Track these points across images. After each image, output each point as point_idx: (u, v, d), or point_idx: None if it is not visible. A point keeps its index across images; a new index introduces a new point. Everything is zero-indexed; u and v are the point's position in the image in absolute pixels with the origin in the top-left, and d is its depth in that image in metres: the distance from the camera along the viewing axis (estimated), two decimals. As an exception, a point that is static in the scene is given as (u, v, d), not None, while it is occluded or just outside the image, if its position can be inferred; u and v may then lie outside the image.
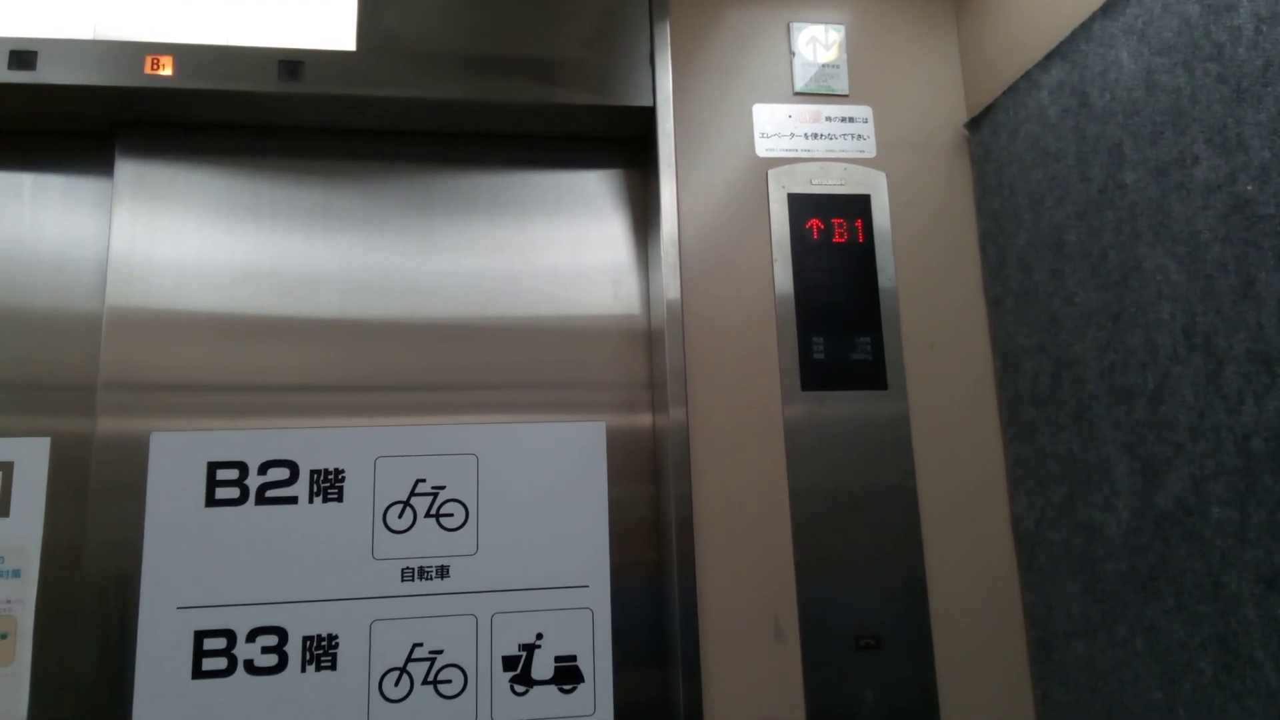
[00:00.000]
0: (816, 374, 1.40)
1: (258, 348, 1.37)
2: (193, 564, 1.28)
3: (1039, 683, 1.34)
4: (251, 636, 1.27)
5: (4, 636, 1.26)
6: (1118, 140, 1.15)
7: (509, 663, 1.32)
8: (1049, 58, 1.28)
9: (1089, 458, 1.21)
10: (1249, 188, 0.94)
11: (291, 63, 1.33)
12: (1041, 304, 1.31)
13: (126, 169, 1.39)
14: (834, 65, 1.52)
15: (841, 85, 1.51)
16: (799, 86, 1.50)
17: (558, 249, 1.49)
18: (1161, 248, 1.07)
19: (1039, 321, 1.32)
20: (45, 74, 1.28)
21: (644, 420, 1.45)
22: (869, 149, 1.50)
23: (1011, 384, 1.40)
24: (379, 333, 1.41)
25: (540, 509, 1.37)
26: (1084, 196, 1.22)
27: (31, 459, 1.30)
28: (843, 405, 1.40)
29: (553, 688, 1.32)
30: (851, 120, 1.50)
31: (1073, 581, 1.25)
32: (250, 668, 1.27)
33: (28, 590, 1.27)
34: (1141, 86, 1.10)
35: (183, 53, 1.31)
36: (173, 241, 1.38)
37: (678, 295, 1.38)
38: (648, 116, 1.43)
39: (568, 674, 1.33)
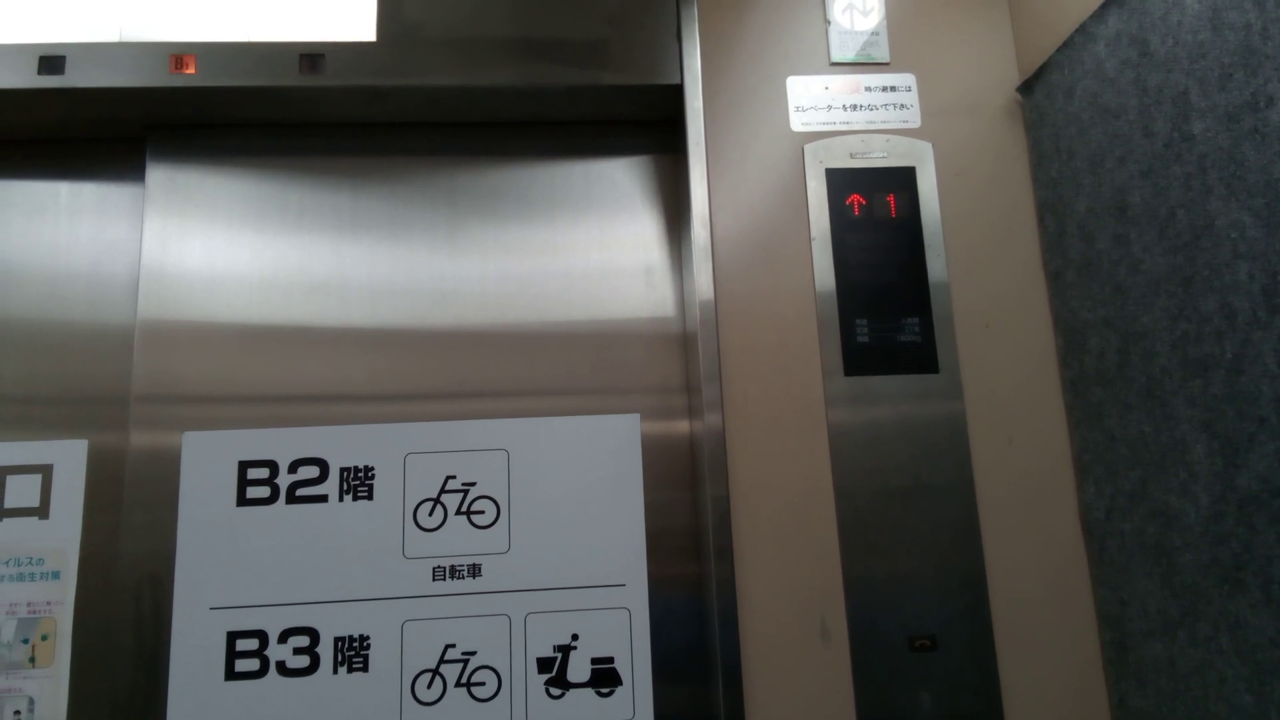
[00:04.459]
0: (861, 358, 1.32)
1: (288, 356, 1.36)
2: (225, 564, 1.27)
3: (1114, 686, 1.23)
4: (283, 637, 1.25)
5: (45, 638, 1.26)
6: (1183, 88, 1.04)
7: (544, 664, 1.27)
8: (1105, 6, 1.18)
9: (1163, 439, 1.11)
10: (1334, 126, 0.84)
11: (312, 56, 1.32)
12: (1105, 274, 1.21)
13: (158, 173, 1.40)
14: (873, 32, 1.43)
15: (882, 53, 1.43)
16: (836, 56, 1.43)
17: (588, 245, 1.44)
18: (1235, 202, 0.97)
19: (1103, 293, 1.22)
20: (74, 78, 1.29)
21: (680, 424, 1.38)
22: (913, 119, 1.41)
23: (1075, 362, 1.29)
24: (408, 337, 1.38)
25: (574, 505, 1.32)
26: (1148, 153, 1.11)
27: (70, 461, 1.31)
28: (890, 391, 1.31)
29: (590, 690, 1.27)
30: (893, 89, 1.42)
31: (1148, 575, 1.14)
32: (282, 669, 1.25)
33: (67, 592, 1.28)
34: (1207, 27, 1.00)
35: (205, 51, 1.31)
36: (203, 247, 1.38)
37: (711, 294, 1.31)
38: (676, 95, 1.37)
39: (605, 676, 1.27)
